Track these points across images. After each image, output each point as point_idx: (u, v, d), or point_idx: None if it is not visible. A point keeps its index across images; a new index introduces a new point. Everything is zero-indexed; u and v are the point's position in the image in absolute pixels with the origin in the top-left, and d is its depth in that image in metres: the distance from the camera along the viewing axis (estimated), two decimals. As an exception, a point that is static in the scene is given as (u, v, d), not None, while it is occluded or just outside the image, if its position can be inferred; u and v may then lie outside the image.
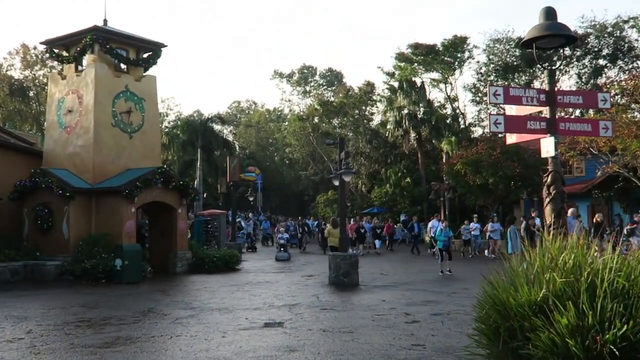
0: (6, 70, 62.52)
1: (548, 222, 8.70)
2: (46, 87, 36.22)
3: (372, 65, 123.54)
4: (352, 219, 37.49)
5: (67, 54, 25.70)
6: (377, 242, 35.16)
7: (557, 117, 9.19)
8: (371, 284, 19.79)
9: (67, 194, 22.72)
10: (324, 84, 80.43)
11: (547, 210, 8.81)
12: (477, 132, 54.41)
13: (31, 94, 61.83)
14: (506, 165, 33.39)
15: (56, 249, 22.93)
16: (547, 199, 8.83)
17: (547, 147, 9.02)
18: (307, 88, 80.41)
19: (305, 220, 41.45)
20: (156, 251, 25.00)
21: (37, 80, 61.54)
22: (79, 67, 25.45)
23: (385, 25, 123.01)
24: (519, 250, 18.90)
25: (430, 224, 31.63)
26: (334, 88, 76.35)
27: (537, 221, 28.34)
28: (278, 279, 22.16)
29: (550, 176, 8.88)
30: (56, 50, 26.13)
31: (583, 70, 49.88)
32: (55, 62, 33.99)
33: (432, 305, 14.74)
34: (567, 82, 51.02)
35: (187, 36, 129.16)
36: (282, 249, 30.66)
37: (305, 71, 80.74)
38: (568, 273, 5.99)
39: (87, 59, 25.04)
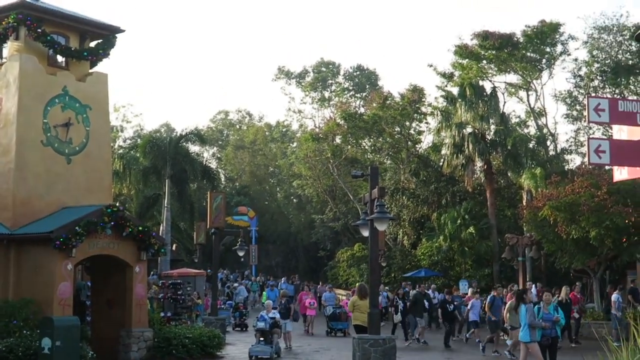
0: None
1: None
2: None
3: (420, 63, 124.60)
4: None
5: (-21, 41, 26.10)
6: None
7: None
8: (414, 383, 19.68)
9: (-25, 241, 22.90)
10: (350, 88, 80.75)
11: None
12: (574, 162, 54.36)
13: None
14: (616, 212, 33.19)
15: (-43, 321, 22.99)
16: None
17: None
18: (326, 94, 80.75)
19: (419, 289, 34.07)
20: (101, 327, 25.01)
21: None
22: (-3, 60, 25.81)
23: (440, 6, 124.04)
24: (536, 338, 18.75)
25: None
26: (364, 94, 76.70)
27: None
28: (278, 373, 22.10)
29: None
30: (-36, 35, 26.53)
31: None
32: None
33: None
34: None
35: (154, 20, 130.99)
36: (261, 338, 26.21)
37: (324, 69, 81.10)
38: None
39: (8, 49, 25.44)
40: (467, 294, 36.00)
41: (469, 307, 31.34)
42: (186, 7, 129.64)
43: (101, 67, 27.37)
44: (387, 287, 42.88)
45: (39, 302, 22.68)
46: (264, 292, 48.08)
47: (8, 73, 24.88)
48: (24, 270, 23.51)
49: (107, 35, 26.91)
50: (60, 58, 26.01)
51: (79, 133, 25.79)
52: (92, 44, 26.91)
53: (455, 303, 32.74)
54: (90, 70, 26.73)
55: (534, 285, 34.29)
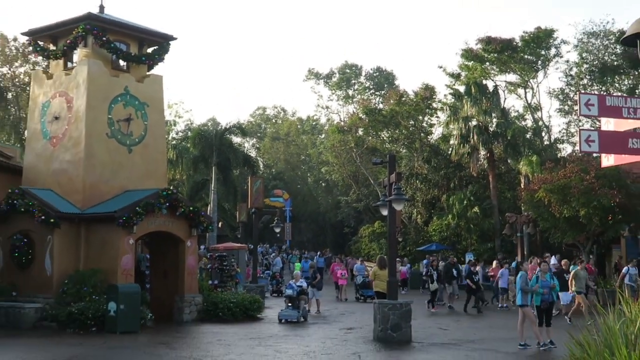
0: (-21, 67, 63.90)
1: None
2: (28, 88, 37.06)
3: (431, 65, 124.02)
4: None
5: (54, 48, 26.29)
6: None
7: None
8: (427, 341, 19.69)
9: (51, 220, 23.11)
10: (371, 87, 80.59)
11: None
12: (566, 150, 54.05)
13: (9, 95, 63.06)
14: (602, 194, 32.97)
15: (36, 288, 23.30)
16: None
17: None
18: (350, 92, 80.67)
19: (448, 259, 34.68)
20: (158, 293, 25.23)
21: (16, 80, 62.75)
22: (69, 64, 26.01)
23: (449, 14, 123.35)
24: (528, 303, 18.35)
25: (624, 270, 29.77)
26: (383, 92, 76.47)
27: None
28: (310, 332, 22.17)
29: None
30: (41, 43, 26.75)
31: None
32: (40, 58, 34.81)
33: (505, 370, 14.60)
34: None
35: (202, 28, 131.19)
36: (289, 304, 25.58)
37: (348, 71, 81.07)
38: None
39: (78, 54, 25.60)
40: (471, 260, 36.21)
41: (498, 275, 31.14)
42: (230, 18, 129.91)
43: (157, 69, 27.55)
44: (400, 259, 42.81)
45: (106, 271, 22.91)
46: (296, 264, 48.20)
47: (78, 76, 25.07)
48: (93, 244, 23.76)
49: (162, 42, 27.04)
50: (122, 62, 26.17)
51: (138, 127, 25.96)
52: (149, 50, 27.05)
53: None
54: (147, 73, 26.86)
55: (553, 257, 34.12)
